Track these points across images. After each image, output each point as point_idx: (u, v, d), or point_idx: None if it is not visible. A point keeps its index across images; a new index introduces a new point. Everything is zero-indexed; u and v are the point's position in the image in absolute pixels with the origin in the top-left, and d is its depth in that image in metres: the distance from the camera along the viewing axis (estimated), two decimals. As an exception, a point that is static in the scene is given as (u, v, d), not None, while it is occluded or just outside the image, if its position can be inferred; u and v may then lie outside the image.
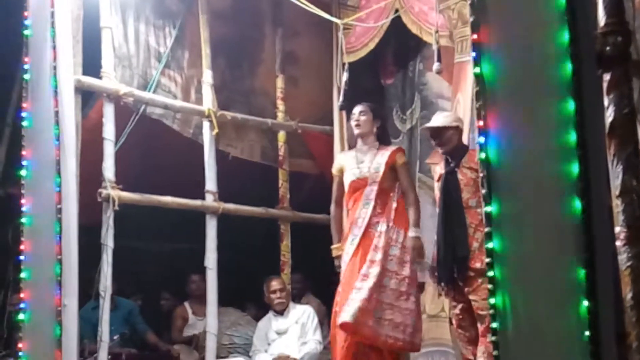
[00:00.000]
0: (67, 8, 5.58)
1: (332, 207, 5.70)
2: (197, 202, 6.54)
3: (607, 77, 3.00)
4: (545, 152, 3.45)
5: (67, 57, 5.55)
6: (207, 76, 6.73)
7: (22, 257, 5.34)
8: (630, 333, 2.86)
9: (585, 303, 3.21)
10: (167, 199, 6.36)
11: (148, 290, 7.42)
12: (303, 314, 6.52)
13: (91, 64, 5.98)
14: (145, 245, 7.64)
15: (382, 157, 5.47)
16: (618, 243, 2.95)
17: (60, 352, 5.10)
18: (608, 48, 2.99)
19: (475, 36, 3.66)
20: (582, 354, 3.20)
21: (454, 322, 5.14)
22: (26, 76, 5.53)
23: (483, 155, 3.57)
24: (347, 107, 6.04)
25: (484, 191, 3.56)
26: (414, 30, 6.29)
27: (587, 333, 3.19)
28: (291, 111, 7.28)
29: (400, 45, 6.90)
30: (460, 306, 4.97)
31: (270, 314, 6.61)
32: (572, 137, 3.31)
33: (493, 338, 3.53)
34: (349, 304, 5.13)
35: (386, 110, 6.73)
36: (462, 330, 5.02)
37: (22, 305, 5.28)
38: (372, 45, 6.72)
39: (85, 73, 5.88)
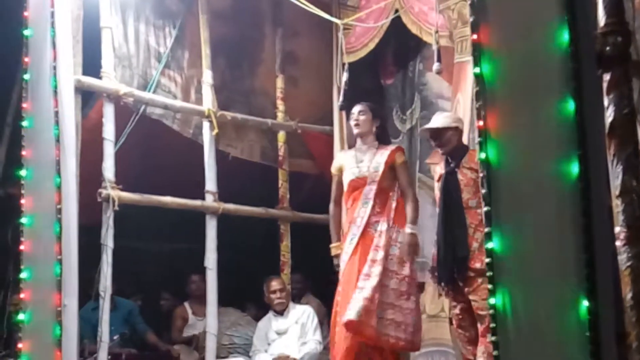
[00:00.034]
0: (67, 8, 5.58)
1: (331, 206, 5.71)
2: (197, 202, 6.54)
3: (607, 77, 3.00)
4: (545, 152, 3.45)
5: (67, 57, 5.55)
6: (207, 76, 6.74)
7: (22, 257, 5.34)
8: (630, 333, 2.86)
9: (585, 303, 3.21)
10: (167, 199, 6.37)
11: (148, 291, 7.42)
12: (303, 314, 6.52)
13: (91, 64, 5.99)
14: (145, 246, 7.64)
15: (381, 157, 5.48)
16: (618, 243, 2.95)
17: (60, 352, 5.09)
18: (608, 48, 2.99)
19: (475, 36, 3.66)
20: (582, 354, 3.20)
21: (453, 322, 5.14)
22: (26, 76, 5.53)
23: (483, 156, 3.57)
24: (347, 107, 6.04)
25: (483, 191, 3.56)
26: (414, 31, 6.29)
27: (587, 333, 3.19)
28: (291, 111, 7.28)
29: (400, 46, 6.90)
30: (460, 306, 4.97)
31: (270, 314, 6.61)
32: (572, 137, 3.30)
33: (493, 338, 3.53)
34: (353, 302, 5.14)
35: (386, 111, 6.73)
36: (462, 330, 5.02)
37: (21, 306, 5.29)
38: (372, 46, 6.71)
39: (85, 73, 5.89)
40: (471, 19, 3.71)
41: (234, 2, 7.12)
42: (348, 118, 5.92)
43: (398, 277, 5.29)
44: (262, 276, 6.72)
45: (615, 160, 2.95)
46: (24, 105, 5.54)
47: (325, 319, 6.55)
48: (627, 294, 2.87)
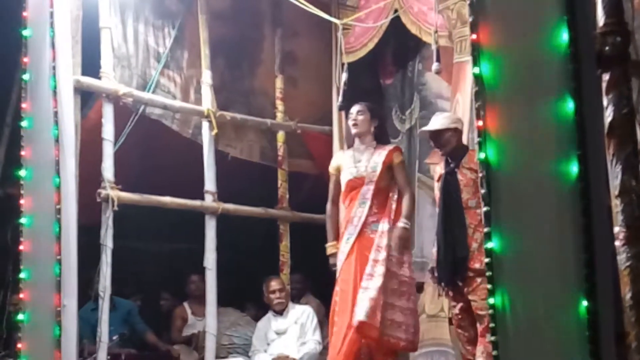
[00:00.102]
0: (66, 8, 5.58)
1: (328, 206, 5.71)
2: (197, 203, 6.54)
3: (606, 77, 3.00)
4: (544, 152, 3.45)
5: (67, 58, 5.55)
6: (207, 76, 6.73)
7: (21, 257, 5.34)
8: (630, 333, 2.87)
9: (585, 303, 3.21)
10: (167, 199, 6.36)
11: (147, 291, 7.42)
12: (302, 314, 6.52)
13: (90, 64, 5.99)
14: (145, 246, 7.64)
15: (379, 157, 5.49)
16: (617, 243, 2.95)
17: (59, 352, 5.09)
18: (607, 48, 2.99)
19: (474, 36, 3.66)
20: (581, 353, 3.20)
21: (453, 322, 5.14)
22: (25, 76, 5.52)
23: (482, 156, 3.57)
24: (346, 107, 6.04)
25: (483, 191, 3.56)
26: (413, 31, 6.29)
27: (587, 333, 3.19)
28: (290, 111, 7.28)
29: (400, 46, 6.90)
30: (459, 306, 4.98)
31: (270, 314, 6.61)
32: (572, 137, 3.30)
33: (492, 338, 3.52)
34: (360, 303, 5.14)
35: (385, 110, 6.73)
36: (461, 330, 5.02)
37: (21, 306, 5.29)
38: (371, 46, 6.71)
39: (84, 73, 5.89)
40: (470, 19, 3.71)
41: (234, 3, 7.12)
42: (347, 118, 5.93)
43: (398, 278, 5.31)
44: (262, 276, 6.72)
45: (615, 160, 2.95)
46: (23, 105, 5.54)
47: (325, 319, 6.54)
48: (627, 294, 2.87)
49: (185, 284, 7.02)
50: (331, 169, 5.75)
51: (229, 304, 6.89)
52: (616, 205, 2.95)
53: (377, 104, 6.27)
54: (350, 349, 5.19)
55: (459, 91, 5.94)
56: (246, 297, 7.22)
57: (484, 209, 3.54)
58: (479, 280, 4.74)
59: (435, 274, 5.08)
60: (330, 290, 5.59)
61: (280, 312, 6.55)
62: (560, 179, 3.35)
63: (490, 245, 3.52)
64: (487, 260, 3.54)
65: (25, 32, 5.52)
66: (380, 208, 5.43)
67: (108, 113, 6.05)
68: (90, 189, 5.85)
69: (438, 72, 5.51)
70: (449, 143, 5.10)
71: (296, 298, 6.96)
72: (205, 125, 6.66)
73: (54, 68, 5.35)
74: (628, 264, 2.88)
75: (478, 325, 4.84)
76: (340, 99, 6.19)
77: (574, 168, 3.30)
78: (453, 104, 6.00)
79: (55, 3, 5.42)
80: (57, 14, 5.43)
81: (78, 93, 5.80)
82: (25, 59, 5.53)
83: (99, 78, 6.05)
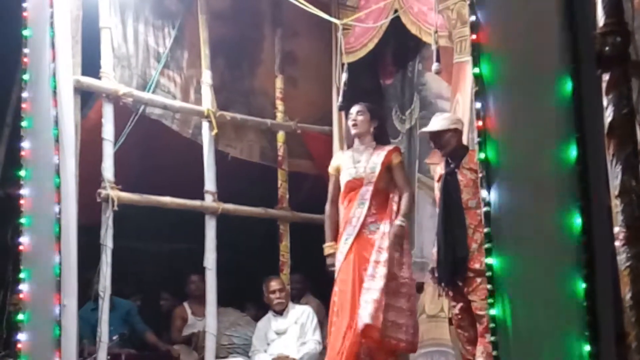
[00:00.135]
0: (66, 8, 5.58)
1: (328, 206, 5.71)
2: (197, 203, 6.54)
3: (606, 77, 3.00)
4: (544, 152, 3.45)
5: (67, 58, 5.55)
6: (207, 76, 6.73)
7: (21, 257, 5.34)
8: (630, 333, 2.87)
9: (585, 303, 3.21)
10: (167, 199, 6.36)
11: (147, 291, 7.41)
12: (302, 314, 6.52)
13: (90, 64, 5.99)
14: (145, 246, 7.64)
15: (378, 157, 5.49)
16: (617, 243, 2.95)
17: (59, 352, 5.09)
18: (607, 48, 2.99)
19: (474, 36, 3.67)
20: (581, 353, 3.20)
21: (453, 322, 5.14)
22: (25, 76, 5.52)
23: (482, 156, 3.57)
24: (346, 107, 6.04)
25: (483, 191, 3.56)
26: (413, 31, 6.29)
27: (587, 333, 3.19)
28: (290, 111, 7.28)
29: (400, 46, 6.90)
30: (459, 306, 4.98)
31: (270, 314, 6.61)
32: (572, 137, 3.30)
33: (492, 338, 3.53)
34: (363, 306, 5.13)
35: (385, 111, 6.73)
36: (461, 330, 5.02)
37: (21, 306, 5.29)
38: (371, 46, 6.71)
39: (84, 73, 5.89)
40: (470, 19, 3.71)
41: (233, 3, 7.12)
42: (347, 118, 5.93)
43: (398, 279, 5.30)
44: (262, 276, 6.72)
45: (615, 160, 2.96)
46: (23, 105, 5.54)
47: (325, 319, 6.54)
48: (626, 294, 2.87)
49: (185, 284, 7.02)
50: (331, 169, 5.76)
51: (229, 304, 6.89)
52: (616, 205, 2.96)
53: (377, 104, 6.26)
54: (350, 350, 5.19)
55: (459, 91, 5.94)
56: (246, 297, 7.22)
57: (484, 209, 3.55)
58: (478, 280, 4.74)
59: (436, 275, 5.08)
60: (330, 290, 5.58)
61: (280, 312, 6.55)
62: (560, 179, 3.35)
63: (489, 245, 3.52)
64: (486, 260, 3.54)
65: (25, 32, 5.52)
66: (379, 209, 5.43)
67: (108, 113, 6.04)
68: (90, 189, 5.85)
69: (438, 72, 5.51)
70: (449, 144, 5.10)
71: (296, 298, 6.95)
72: (205, 125, 6.66)
73: (54, 68, 5.35)
74: (628, 264, 2.88)
75: (478, 325, 4.84)
76: (340, 99, 6.19)
77: (573, 168, 3.30)
78: (453, 104, 6.00)
79: (55, 3, 5.42)
80: (57, 14, 5.43)
81: (78, 93, 5.80)
82: (25, 59, 5.53)
83: (99, 78, 6.05)
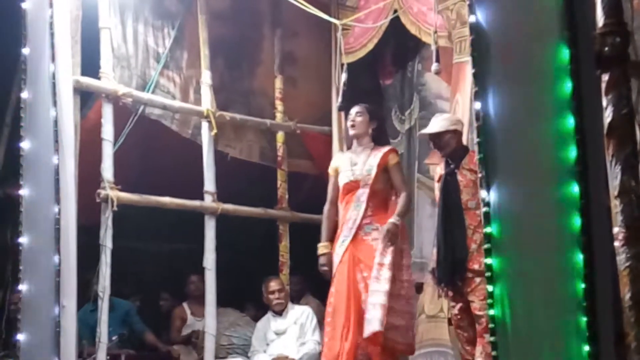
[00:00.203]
0: (66, 8, 5.58)
1: (326, 206, 5.71)
2: (196, 203, 6.54)
3: (605, 77, 3.00)
4: (544, 152, 3.45)
5: (66, 58, 5.55)
6: (206, 77, 6.73)
7: (21, 257, 5.34)
8: (629, 333, 2.86)
9: (584, 303, 3.21)
10: (166, 199, 6.36)
11: (147, 291, 7.42)
12: (302, 315, 6.52)
13: (90, 65, 5.98)
14: (144, 246, 7.64)
15: (374, 159, 5.48)
16: (616, 243, 2.95)
17: (59, 352, 5.09)
18: (606, 48, 2.98)
19: (474, 37, 3.67)
20: (580, 353, 3.20)
21: (452, 322, 5.14)
22: (25, 77, 5.52)
23: (482, 156, 3.57)
24: (345, 107, 6.04)
25: (482, 192, 3.56)
26: (413, 31, 6.29)
27: (586, 333, 3.19)
28: (290, 112, 7.28)
29: (399, 46, 6.91)
30: (458, 306, 4.98)
31: (269, 315, 6.61)
32: (571, 137, 3.31)
33: (491, 338, 3.53)
34: (371, 311, 5.10)
35: (385, 111, 6.73)
36: (460, 331, 5.03)
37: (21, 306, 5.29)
38: (370, 46, 6.71)
39: (83, 73, 5.89)
40: (470, 19, 3.71)
41: (233, 3, 7.12)
42: (347, 119, 5.93)
43: (398, 281, 5.30)
44: (261, 276, 6.72)
45: (614, 161, 2.95)
46: (23, 105, 5.54)
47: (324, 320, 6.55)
48: (626, 295, 2.87)
49: (185, 284, 7.02)
50: (330, 170, 5.76)
51: (229, 304, 6.89)
52: (616, 205, 2.95)
53: (377, 105, 6.27)
54: (349, 351, 5.18)
55: (458, 91, 5.95)
56: (245, 298, 7.22)
57: (484, 209, 3.55)
58: (477, 280, 4.75)
59: (436, 275, 5.08)
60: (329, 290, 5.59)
61: (279, 313, 6.55)
62: (560, 179, 3.35)
63: (489, 245, 3.52)
64: (486, 260, 3.54)
65: (24, 33, 5.52)
66: (377, 210, 5.42)
67: (107, 113, 6.04)
68: (90, 189, 5.85)
69: (437, 73, 5.52)
70: (449, 145, 5.10)
71: (295, 298, 6.96)
72: (204, 125, 6.66)
73: (53, 68, 5.35)
74: (627, 264, 2.88)
75: (477, 325, 4.84)
76: (339, 99, 6.19)
77: (573, 168, 3.30)
78: (453, 104, 6.01)
79: (55, 3, 5.42)
80: (57, 14, 5.43)
81: (78, 93, 5.80)
82: (24, 59, 5.53)
83: (99, 78, 6.05)
